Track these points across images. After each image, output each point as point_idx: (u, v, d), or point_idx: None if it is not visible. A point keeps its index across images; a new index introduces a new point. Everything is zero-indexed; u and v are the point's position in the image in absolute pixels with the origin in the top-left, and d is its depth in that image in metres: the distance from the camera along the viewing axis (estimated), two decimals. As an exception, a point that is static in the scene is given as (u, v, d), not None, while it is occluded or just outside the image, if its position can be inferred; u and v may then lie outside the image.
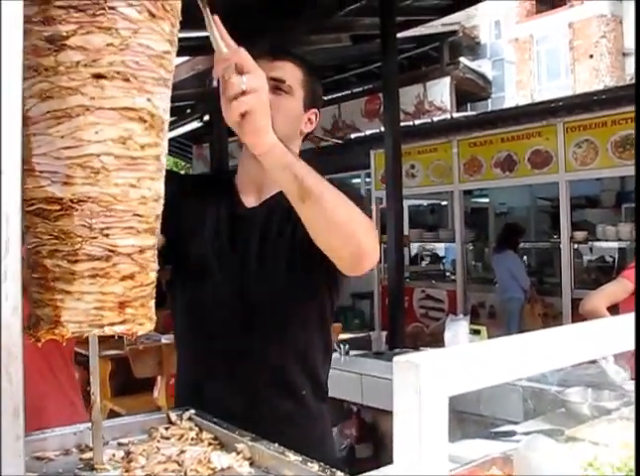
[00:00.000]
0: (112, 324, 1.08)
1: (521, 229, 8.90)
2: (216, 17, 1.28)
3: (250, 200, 1.87)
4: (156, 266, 1.14)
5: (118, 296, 1.08)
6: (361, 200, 1.74)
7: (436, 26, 10.93)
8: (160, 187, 1.14)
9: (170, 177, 1.88)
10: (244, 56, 1.29)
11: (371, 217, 1.68)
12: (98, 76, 1.03)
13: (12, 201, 0.76)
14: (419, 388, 0.85)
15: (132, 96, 1.06)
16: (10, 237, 0.75)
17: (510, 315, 7.98)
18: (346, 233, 1.49)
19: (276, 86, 1.74)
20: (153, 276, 1.13)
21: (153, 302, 1.14)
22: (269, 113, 1.33)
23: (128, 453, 1.39)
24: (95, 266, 1.07)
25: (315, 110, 1.88)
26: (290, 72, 1.80)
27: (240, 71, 1.27)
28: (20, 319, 0.76)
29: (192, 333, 1.88)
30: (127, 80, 1.05)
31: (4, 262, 0.74)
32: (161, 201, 1.15)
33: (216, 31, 1.28)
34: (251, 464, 1.34)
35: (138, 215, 1.09)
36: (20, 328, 0.76)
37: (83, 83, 1.02)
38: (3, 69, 0.76)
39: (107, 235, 1.06)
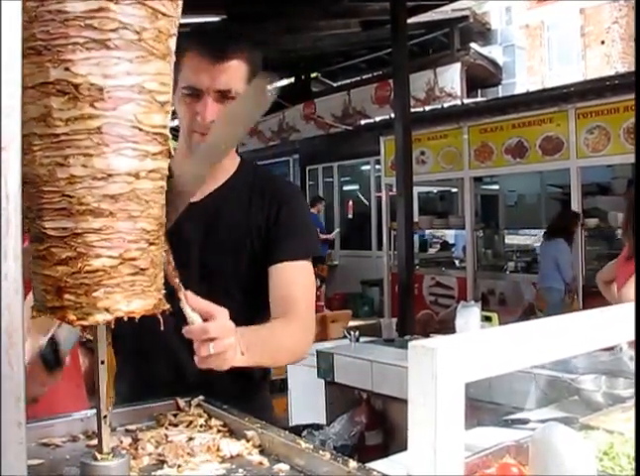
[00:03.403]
0: (53, 308, 1.04)
1: (577, 216, 7.83)
2: (188, 293, 1.30)
3: None
4: (110, 252, 1.04)
5: (56, 280, 1.03)
6: (314, 239, 1.92)
7: (446, 11, 10.89)
8: (110, 163, 1.02)
9: None
10: (211, 328, 1.30)
11: (320, 247, 1.98)
12: None
13: (12, 180, 0.73)
14: (435, 373, 0.82)
15: (45, 70, 0.98)
16: (10, 217, 0.73)
17: (549, 307, 7.47)
18: (288, 362, 2.02)
19: (223, 96, 1.67)
20: (99, 263, 1.03)
21: (105, 292, 1.03)
22: (234, 354, 1.39)
23: (135, 440, 1.38)
24: (37, 247, 1.04)
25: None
26: (235, 74, 1.69)
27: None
28: (21, 303, 0.73)
29: (133, 341, 1.79)
30: (39, 54, 0.98)
31: (4, 241, 0.71)
32: (120, 178, 1.03)
33: (187, 306, 1.30)
34: (261, 452, 1.32)
35: (67, 196, 1.01)
36: (21, 312, 0.73)
37: None
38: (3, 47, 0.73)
39: (40, 217, 1.02)
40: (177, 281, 1.28)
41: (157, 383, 1.73)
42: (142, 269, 1.07)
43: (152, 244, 1.09)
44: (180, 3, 1.10)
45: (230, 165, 1.86)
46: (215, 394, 1.59)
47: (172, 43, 1.09)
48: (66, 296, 1.02)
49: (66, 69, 0.98)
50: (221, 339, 1.31)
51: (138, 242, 1.06)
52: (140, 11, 1.02)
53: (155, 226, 1.09)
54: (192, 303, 1.30)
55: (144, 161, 1.05)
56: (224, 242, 1.78)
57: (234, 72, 1.69)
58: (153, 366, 1.81)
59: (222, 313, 1.33)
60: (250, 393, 1.84)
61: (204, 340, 1.29)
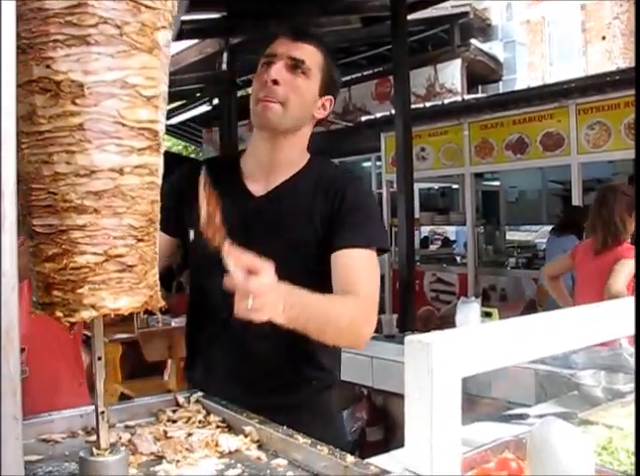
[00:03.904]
0: (44, 304, 1.05)
1: (585, 212, 7.76)
2: (232, 248, 1.36)
3: (257, 188, 1.85)
4: (94, 249, 1.03)
5: (45, 276, 1.04)
6: (376, 229, 1.84)
7: (446, 7, 10.85)
8: (93, 160, 1.01)
9: (170, 181, 1.91)
10: (252, 289, 1.34)
11: (387, 239, 1.89)
12: None
13: (8, 178, 0.74)
14: (431, 368, 0.82)
15: (29, 68, 0.99)
16: (7, 214, 0.73)
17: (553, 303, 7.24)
18: (343, 339, 1.71)
19: (295, 65, 1.75)
20: (83, 260, 1.02)
21: (90, 288, 1.03)
22: (276, 305, 1.41)
23: (134, 436, 1.38)
24: (29, 244, 1.06)
25: (330, 97, 1.87)
26: (311, 55, 1.79)
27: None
28: (17, 300, 0.73)
29: (206, 321, 1.87)
30: (24, 52, 0.98)
31: (1, 237, 0.71)
32: (104, 174, 1.02)
33: (230, 260, 1.35)
34: (259, 447, 1.32)
35: (52, 193, 1.01)
36: (17, 310, 0.73)
37: None
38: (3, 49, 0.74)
39: (30, 214, 1.03)
40: (221, 237, 1.34)
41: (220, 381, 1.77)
42: (129, 265, 1.06)
43: (140, 240, 1.08)
44: None
45: (298, 160, 1.88)
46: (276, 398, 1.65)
47: (162, 36, 1.07)
48: (55, 292, 1.03)
49: (48, 67, 0.98)
50: (260, 296, 1.34)
51: (124, 238, 1.05)
52: (120, 4, 1.01)
53: (143, 222, 1.08)
54: (235, 258, 1.34)
55: (128, 156, 1.04)
56: (289, 234, 1.79)
57: (310, 53, 1.79)
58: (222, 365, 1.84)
59: (265, 270, 1.36)
60: (310, 403, 1.84)
61: (243, 295, 1.33)
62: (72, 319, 1.03)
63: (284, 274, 1.75)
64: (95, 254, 1.03)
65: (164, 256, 1.85)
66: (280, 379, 1.79)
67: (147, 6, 1.03)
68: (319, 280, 1.77)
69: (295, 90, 1.75)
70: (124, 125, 1.03)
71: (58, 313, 1.02)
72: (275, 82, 1.72)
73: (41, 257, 1.03)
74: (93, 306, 1.03)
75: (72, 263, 1.02)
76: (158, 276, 1.14)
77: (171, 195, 1.89)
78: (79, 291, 1.02)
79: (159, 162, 1.10)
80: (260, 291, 1.34)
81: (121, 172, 1.03)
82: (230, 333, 1.77)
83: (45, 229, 1.03)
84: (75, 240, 1.02)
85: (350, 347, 1.82)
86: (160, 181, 1.12)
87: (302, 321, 1.52)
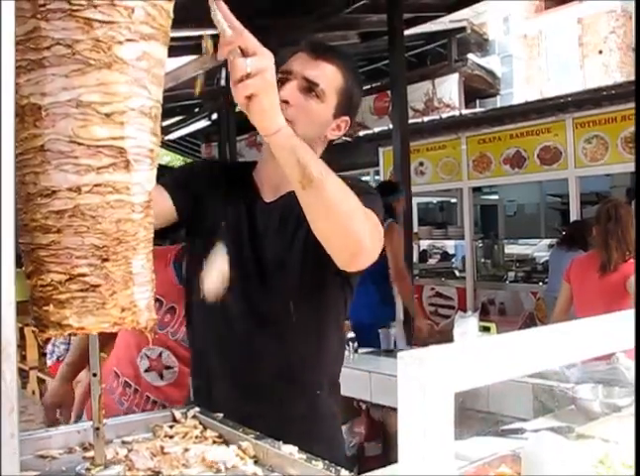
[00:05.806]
0: (33, 318, 1.08)
1: (589, 227, 7.54)
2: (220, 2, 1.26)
3: (268, 196, 1.85)
4: (57, 268, 1.04)
5: (30, 291, 1.06)
6: (371, 198, 1.68)
7: (444, 22, 10.89)
8: (52, 180, 1.02)
9: (196, 165, 1.87)
10: (247, 38, 1.28)
11: (380, 215, 1.67)
12: None
13: (5, 192, 0.75)
14: (424, 384, 0.83)
15: None
16: (3, 229, 0.74)
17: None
18: (344, 226, 1.46)
19: (309, 88, 1.69)
20: (49, 278, 1.04)
21: (55, 306, 1.03)
22: (276, 94, 1.34)
23: (131, 451, 1.38)
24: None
25: (346, 118, 1.80)
26: (328, 76, 1.72)
27: (244, 53, 1.27)
28: (14, 315, 0.74)
29: (207, 329, 1.85)
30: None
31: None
32: (63, 194, 1.03)
33: (219, 13, 1.25)
34: (255, 462, 1.32)
35: (25, 213, 1.04)
36: (14, 326, 0.74)
37: None
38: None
39: (19, 233, 1.05)
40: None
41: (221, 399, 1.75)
42: (93, 285, 1.05)
43: (105, 260, 1.06)
44: (139, 5, 1.04)
45: None
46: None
47: (127, 49, 1.05)
48: (34, 307, 1.06)
49: (16, 93, 0.98)
50: (257, 57, 1.27)
51: (87, 258, 1.05)
52: (70, 23, 1.00)
53: (107, 242, 1.06)
54: (224, 11, 1.27)
55: (86, 175, 1.04)
56: (293, 236, 1.76)
57: (328, 74, 1.72)
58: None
59: (265, 53, 1.30)
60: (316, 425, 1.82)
61: (239, 69, 1.27)
62: (45, 335, 1.05)
63: (287, 273, 1.76)
64: (59, 272, 1.04)
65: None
66: (282, 385, 1.77)
67: (101, 21, 1.02)
68: (319, 283, 1.76)
69: (306, 113, 1.69)
70: (80, 144, 1.03)
71: (34, 328, 1.06)
72: (286, 103, 1.65)
73: (25, 273, 1.07)
74: (59, 324, 1.04)
75: (40, 281, 1.05)
76: (143, 295, 1.11)
77: (190, 173, 1.91)
78: (45, 308, 1.04)
79: (129, 179, 1.07)
80: (259, 68, 1.27)
81: (79, 191, 1.03)
82: (233, 334, 1.77)
83: (24, 247, 1.07)
84: (42, 258, 1.04)
85: (344, 256, 1.54)
86: (135, 199, 1.09)
87: (304, 158, 1.40)
